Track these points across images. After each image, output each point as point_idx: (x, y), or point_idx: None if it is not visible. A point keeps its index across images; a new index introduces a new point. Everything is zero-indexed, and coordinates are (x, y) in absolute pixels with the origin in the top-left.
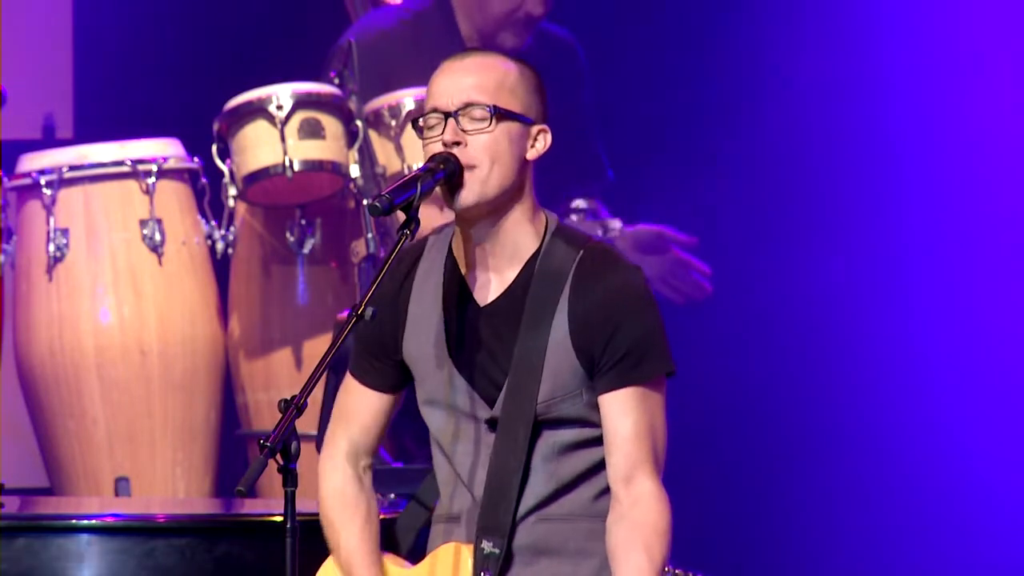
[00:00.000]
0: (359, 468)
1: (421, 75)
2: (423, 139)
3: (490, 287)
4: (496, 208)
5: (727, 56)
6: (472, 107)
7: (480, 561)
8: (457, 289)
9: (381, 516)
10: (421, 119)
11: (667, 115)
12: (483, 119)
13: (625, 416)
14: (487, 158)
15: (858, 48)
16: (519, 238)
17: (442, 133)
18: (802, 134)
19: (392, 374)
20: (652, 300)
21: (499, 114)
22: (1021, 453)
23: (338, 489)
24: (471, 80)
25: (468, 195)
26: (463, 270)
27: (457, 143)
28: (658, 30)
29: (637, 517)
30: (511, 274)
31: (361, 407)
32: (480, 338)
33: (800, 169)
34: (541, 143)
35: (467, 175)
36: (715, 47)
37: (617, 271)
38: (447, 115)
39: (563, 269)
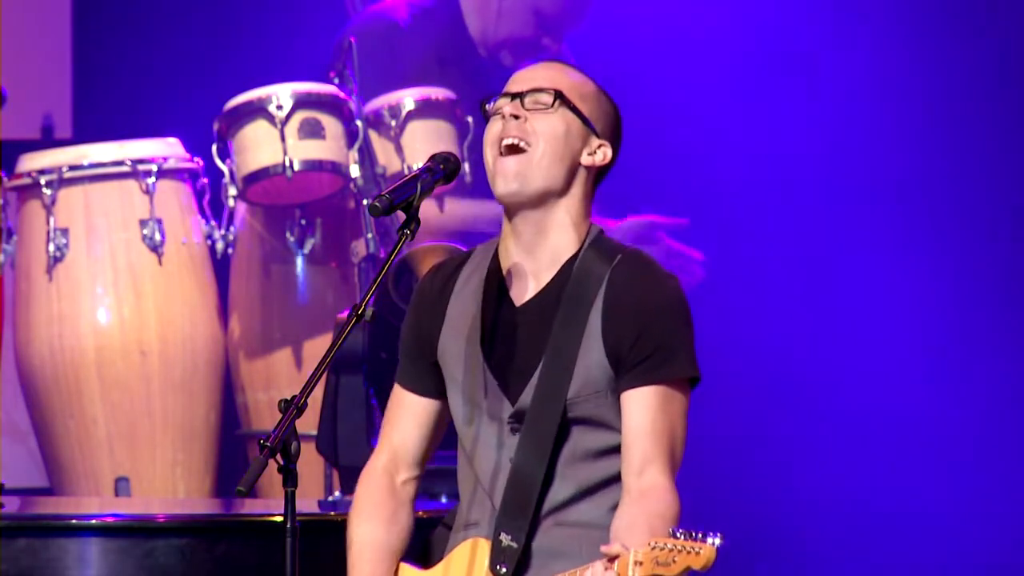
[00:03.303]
0: (395, 480)
1: (423, 70)
2: (487, 119)
3: (527, 287)
4: (539, 202)
5: (725, 58)
6: (540, 92)
7: (498, 554)
8: (496, 289)
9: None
10: (489, 103)
11: (668, 117)
12: (546, 102)
13: (644, 413)
14: (541, 139)
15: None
16: (560, 242)
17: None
18: (799, 134)
19: (432, 377)
20: (684, 307)
21: (562, 100)
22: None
23: (364, 496)
24: (548, 73)
25: (513, 179)
26: (504, 269)
27: (516, 116)
28: (659, 34)
29: (644, 505)
30: (548, 276)
31: (404, 413)
32: (513, 336)
33: (809, 166)
34: (600, 156)
35: (515, 158)
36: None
37: (651, 276)
38: (513, 96)
39: (599, 272)
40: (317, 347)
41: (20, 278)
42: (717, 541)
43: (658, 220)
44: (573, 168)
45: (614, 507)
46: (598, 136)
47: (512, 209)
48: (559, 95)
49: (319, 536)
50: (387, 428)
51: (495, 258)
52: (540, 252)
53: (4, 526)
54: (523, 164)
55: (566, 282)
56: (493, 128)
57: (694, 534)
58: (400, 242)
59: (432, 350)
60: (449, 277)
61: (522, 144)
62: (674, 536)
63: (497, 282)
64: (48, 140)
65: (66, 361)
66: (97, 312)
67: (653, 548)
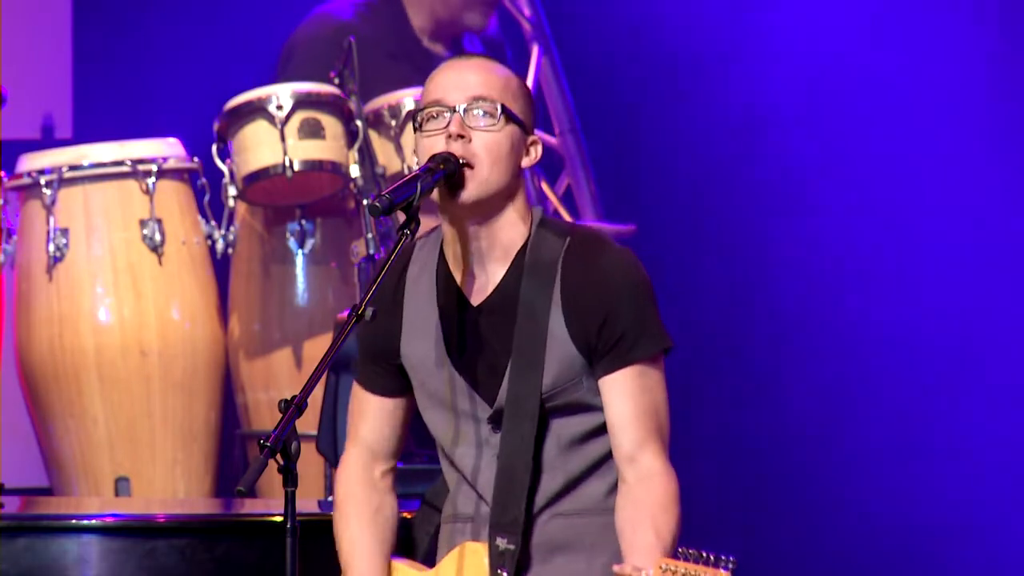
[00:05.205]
0: (373, 474)
1: (373, 67)
2: (422, 132)
3: (481, 285)
4: (490, 210)
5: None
6: (481, 101)
7: (496, 559)
8: (449, 290)
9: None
10: (419, 113)
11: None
12: (491, 116)
13: (626, 397)
14: (488, 158)
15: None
16: (509, 236)
17: (446, 126)
18: (800, 118)
19: (395, 378)
20: (643, 279)
21: (507, 115)
22: None
23: (346, 495)
24: (479, 77)
25: (467, 195)
26: (454, 271)
27: (462, 136)
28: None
29: (642, 494)
30: (501, 271)
31: (370, 414)
32: (477, 337)
33: (816, 155)
34: (533, 153)
35: (466, 173)
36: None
37: (604, 255)
38: (453, 109)
39: (552, 259)
40: (317, 347)
41: (20, 278)
42: (731, 565)
43: (607, 226)
44: (516, 173)
45: (608, 491)
46: (531, 133)
47: (463, 217)
48: (505, 110)
49: (319, 536)
50: (355, 425)
51: (441, 256)
52: (490, 250)
53: (4, 526)
54: (474, 180)
55: (520, 275)
56: (435, 145)
57: (705, 555)
58: (400, 242)
59: (394, 354)
60: (399, 277)
61: (464, 162)
62: (685, 559)
63: (447, 282)
64: (48, 140)
65: (66, 361)
66: (97, 312)
67: (665, 571)
